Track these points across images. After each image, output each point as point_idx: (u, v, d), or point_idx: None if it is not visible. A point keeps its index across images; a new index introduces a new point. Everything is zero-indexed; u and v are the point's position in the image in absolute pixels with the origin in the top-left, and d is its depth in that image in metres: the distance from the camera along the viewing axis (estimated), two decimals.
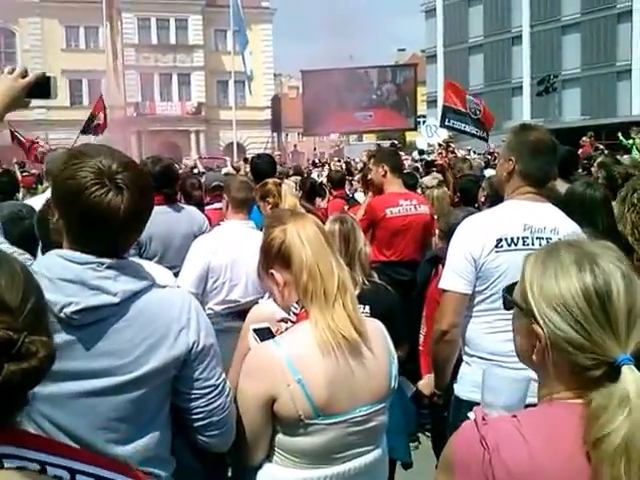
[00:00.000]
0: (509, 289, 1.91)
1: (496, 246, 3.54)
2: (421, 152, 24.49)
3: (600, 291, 1.67)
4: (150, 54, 60.98)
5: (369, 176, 7.29)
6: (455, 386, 3.80)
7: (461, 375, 3.78)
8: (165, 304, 2.29)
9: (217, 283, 4.96)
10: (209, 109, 62.13)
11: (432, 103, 59.41)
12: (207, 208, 7.76)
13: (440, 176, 9.85)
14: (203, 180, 9.29)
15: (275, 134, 54.72)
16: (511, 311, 1.89)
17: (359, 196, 9.96)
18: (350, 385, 2.53)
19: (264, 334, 2.68)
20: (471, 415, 1.82)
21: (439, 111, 15.79)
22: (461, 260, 3.60)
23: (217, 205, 7.11)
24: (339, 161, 25.09)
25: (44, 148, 19.49)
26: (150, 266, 2.74)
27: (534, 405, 1.86)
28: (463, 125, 14.67)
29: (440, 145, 16.68)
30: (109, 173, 2.12)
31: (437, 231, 5.96)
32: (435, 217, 6.91)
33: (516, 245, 3.53)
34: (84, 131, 20.74)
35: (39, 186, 12.79)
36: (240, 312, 4.42)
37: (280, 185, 5.80)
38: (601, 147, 19.77)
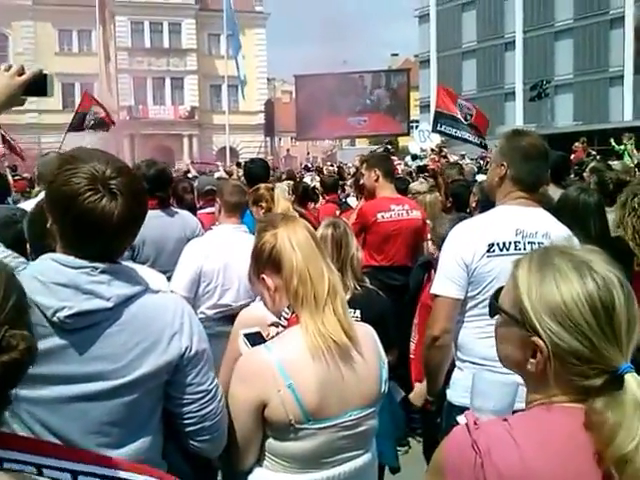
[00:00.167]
0: (496, 296, 1.89)
1: (488, 251, 3.54)
2: (414, 157, 24.49)
3: (605, 302, 1.66)
4: (143, 58, 60.94)
5: (361, 181, 7.29)
6: (448, 392, 3.79)
7: (454, 381, 3.77)
8: (158, 309, 2.29)
9: (209, 287, 4.96)
10: (202, 113, 62.07)
11: (425, 108, 59.46)
12: (199, 212, 7.75)
13: (429, 181, 9.88)
14: (195, 184, 9.28)
15: (268, 139, 54.66)
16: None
17: (351, 201, 9.97)
18: (340, 389, 2.54)
19: (255, 339, 2.68)
20: (461, 419, 1.82)
21: (432, 116, 15.77)
22: (453, 265, 3.60)
23: (210, 209, 7.09)
24: (332, 166, 25.10)
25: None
26: (143, 270, 2.75)
27: (522, 410, 1.85)
28: (454, 130, 14.66)
29: (433, 150, 16.72)
30: (103, 179, 2.12)
31: (429, 237, 5.95)
32: (428, 222, 6.91)
33: (508, 250, 3.53)
34: (75, 128, 19.22)
35: (32, 190, 12.73)
36: (232, 316, 4.39)
37: (273, 190, 5.81)
38: (593, 153, 19.83)
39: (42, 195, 3.16)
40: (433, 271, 4.53)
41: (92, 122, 19.11)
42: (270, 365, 2.47)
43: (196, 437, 2.39)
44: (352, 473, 2.64)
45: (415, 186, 9.54)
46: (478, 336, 3.56)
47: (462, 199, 7.06)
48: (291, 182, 11.63)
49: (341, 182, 13.15)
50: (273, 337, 2.63)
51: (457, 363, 3.77)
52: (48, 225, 2.22)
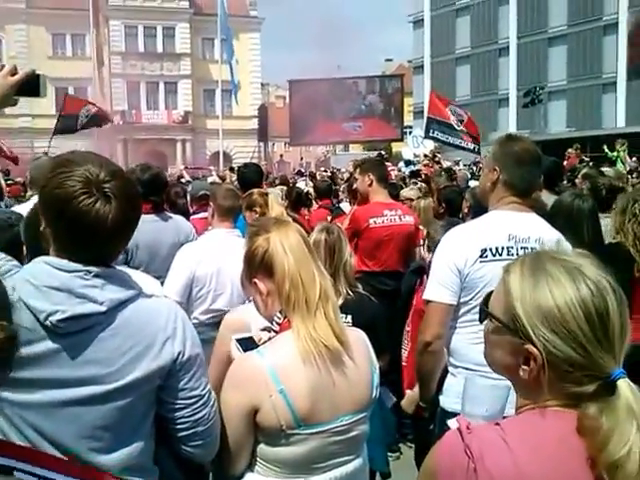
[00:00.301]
0: (485, 301, 1.89)
1: (480, 256, 3.54)
2: (407, 163, 24.52)
3: (599, 308, 1.66)
4: (137, 62, 60.72)
5: (355, 185, 7.29)
6: (441, 398, 3.77)
7: (447, 387, 3.75)
8: (152, 313, 2.28)
9: (202, 292, 4.95)
10: (196, 118, 61.91)
11: (419, 114, 59.39)
12: (193, 217, 7.75)
13: (420, 187, 9.90)
14: (189, 189, 9.28)
15: (262, 144, 54.53)
16: None
17: (344, 206, 9.98)
18: (332, 394, 2.54)
19: (247, 344, 2.68)
20: (452, 423, 1.82)
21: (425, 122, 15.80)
22: (445, 271, 3.60)
23: (203, 214, 7.09)
24: (325, 171, 25.09)
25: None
26: (137, 275, 2.74)
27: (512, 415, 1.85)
28: (446, 137, 14.71)
29: (426, 156, 16.76)
30: (97, 182, 2.12)
31: (422, 242, 5.95)
32: (421, 228, 6.92)
33: (500, 255, 3.52)
34: (66, 131, 18.51)
35: (26, 194, 12.69)
36: None
37: (266, 195, 5.80)
38: (586, 159, 19.89)
39: (36, 199, 3.16)
40: (425, 276, 4.52)
41: (85, 120, 18.57)
42: (262, 370, 2.47)
43: (188, 442, 2.39)
44: (343, 478, 2.64)
45: (405, 192, 9.56)
46: (471, 342, 3.53)
47: (454, 205, 7.08)
48: (284, 187, 11.63)
49: (334, 187, 13.16)
50: (265, 342, 2.63)
51: (450, 369, 3.76)
52: (41, 228, 2.21)
